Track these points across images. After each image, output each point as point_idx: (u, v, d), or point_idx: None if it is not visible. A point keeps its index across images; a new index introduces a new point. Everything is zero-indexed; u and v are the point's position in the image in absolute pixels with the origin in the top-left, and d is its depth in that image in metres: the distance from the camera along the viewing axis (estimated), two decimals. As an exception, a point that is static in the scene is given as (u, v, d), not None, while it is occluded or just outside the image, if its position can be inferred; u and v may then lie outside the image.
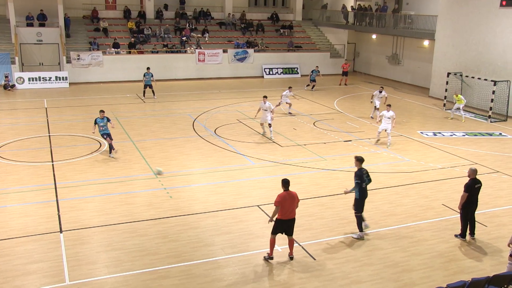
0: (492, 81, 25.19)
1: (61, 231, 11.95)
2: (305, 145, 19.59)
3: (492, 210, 13.96)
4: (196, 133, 21.01)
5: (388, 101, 28.67)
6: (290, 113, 24.75)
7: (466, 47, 28.34)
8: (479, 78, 26.40)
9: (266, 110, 20.24)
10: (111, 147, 17.66)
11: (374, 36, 39.37)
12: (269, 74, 37.10)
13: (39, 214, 12.85)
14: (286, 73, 37.56)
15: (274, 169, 16.83)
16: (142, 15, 37.16)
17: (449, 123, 24.16)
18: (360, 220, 12.01)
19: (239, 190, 14.87)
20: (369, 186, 12.06)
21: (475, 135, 22.03)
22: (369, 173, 12.09)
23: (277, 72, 37.37)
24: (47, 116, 23.30)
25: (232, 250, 11.32)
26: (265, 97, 20.72)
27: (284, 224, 10.79)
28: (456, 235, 12.19)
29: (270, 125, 20.21)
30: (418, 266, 10.90)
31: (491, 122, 24.74)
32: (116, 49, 33.41)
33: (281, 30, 40.54)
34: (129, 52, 33.85)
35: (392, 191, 15.06)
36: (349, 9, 40.18)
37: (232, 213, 13.29)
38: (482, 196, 14.86)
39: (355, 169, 11.97)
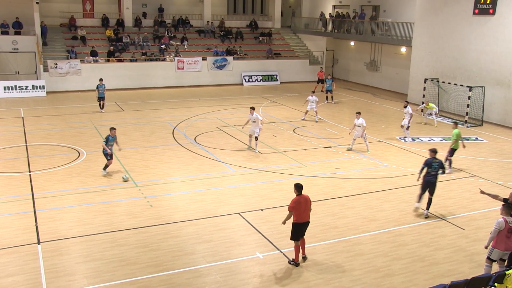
0: (467, 86, 25.62)
1: (38, 243, 11.74)
2: (285, 152, 19.63)
3: (470, 214, 14.14)
4: (176, 141, 20.90)
5: (366, 108, 28.99)
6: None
7: (442, 54, 28.80)
8: (455, 84, 26.83)
9: (254, 122, 19.28)
10: (107, 166, 16.50)
11: (352, 43, 39.75)
12: (249, 81, 37.16)
13: (15, 226, 12.60)
14: (265, 80, 37.66)
15: (255, 176, 16.81)
16: (120, 23, 36.95)
17: (426, 128, 24.47)
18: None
19: (220, 198, 14.81)
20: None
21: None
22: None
23: (257, 80, 37.45)
24: (23, 126, 22.94)
25: (214, 258, 11.25)
26: (252, 108, 19.58)
27: (303, 227, 10.96)
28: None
29: (256, 138, 19.28)
30: (400, 270, 10.96)
31: (467, 127, 25.12)
32: (94, 58, 33.12)
33: (260, 38, 40.69)
34: (108, 61, 33.59)
35: (372, 197, 15.15)
36: (327, 16, 40.53)
37: (213, 221, 13.22)
38: (460, 200, 15.16)
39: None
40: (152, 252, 11.42)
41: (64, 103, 28.65)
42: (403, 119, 22.18)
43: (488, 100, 26.02)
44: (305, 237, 11.11)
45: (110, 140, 16.26)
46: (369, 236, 12.56)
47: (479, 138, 22.95)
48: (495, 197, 11.37)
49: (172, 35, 37.61)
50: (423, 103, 26.39)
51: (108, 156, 16.26)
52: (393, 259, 11.45)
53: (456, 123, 18.10)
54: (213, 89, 34.79)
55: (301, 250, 11.15)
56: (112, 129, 16.48)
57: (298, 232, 10.92)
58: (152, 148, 19.76)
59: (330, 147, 20.52)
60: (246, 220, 13.27)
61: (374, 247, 11.98)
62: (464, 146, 17.90)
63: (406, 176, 17.12)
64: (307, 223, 11.04)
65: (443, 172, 13.87)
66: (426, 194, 13.86)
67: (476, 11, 26.36)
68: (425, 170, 13.63)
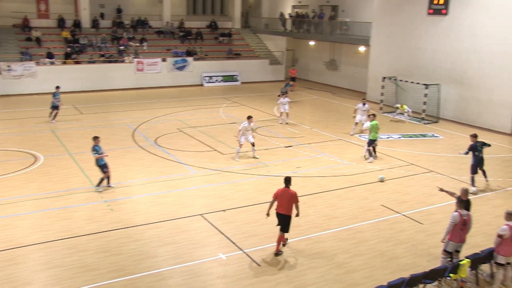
0: (424, 84, 26.26)
1: (-6, 251, 11.39)
2: (246, 152, 19.65)
3: (427, 208, 14.51)
4: (136, 143, 20.64)
5: (327, 106, 29.34)
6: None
7: (399, 53, 29.44)
8: (412, 82, 27.46)
9: (248, 130, 18.78)
10: (102, 180, 15.42)
11: (312, 43, 40.15)
12: (209, 82, 37.04)
13: (-31, 234, 12.20)
14: (226, 81, 37.62)
15: (216, 177, 16.78)
16: (77, 24, 36.21)
17: (385, 126, 24.94)
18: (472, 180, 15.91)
19: (181, 200, 14.71)
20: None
21: (410, 137, 22.87)
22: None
23: (217, 80, 37.36)
24: (-23, 131, 22.20)
25: (176, 261, 11.17)
26: (250, 117, 18.85)
27: (279, 217, 11.43)
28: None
29: (253, 144, 18.80)
30: (360, 266, 11.15)
31: (424, 124, 25.77)
32: (50, 60, 32.34)
33: (220, 38, 40.62)
34: (65, 63, 32.86)
35: (333, 195, 15.35)
36: (287, 16, 40.83)
37: (175, 223, 13.12)
38: (417, 196, 15.55)
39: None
40: (113, 257, 11.25)
41: (19, 106, 27.83)
42: (354, 116, 22.92)
43: (443, 97, 26.76)
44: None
45: (98, 149, 15.19)
46: (330, 234, 12.72)
47: (435, 135, 23.56)
48: (452, 194, 11.70)
49: (131, 36, 37.11)
50: (397, 109, 27.03)
51: (105, 168, 15.27)
52: (354, 255, 11.63)
53: (374, 115, 19.19)
54: (173, 90, 34.51)
55: (277, 244, 11.59)
56: (96, 138, 15.39)
57: (278, 219, 11.50)
58: (111, 151, 19.39)
59: (291, 146, 20.67)
60: (208, 221, 13.23)
61: (335, 244, 12.14)
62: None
63: (365, 174, 17.42)
64: (285, 216, 11.36)
65: (489, 145, 16.61)
66: (478, 174, 16.16)
67: (430, 11, 27.06)
68: (470, 154, 15.96)
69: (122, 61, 34.57)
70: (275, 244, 11.70)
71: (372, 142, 18.85)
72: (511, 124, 23.75)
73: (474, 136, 16.15)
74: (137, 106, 28.58)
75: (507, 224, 10.14)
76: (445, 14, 26.25)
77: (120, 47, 35.28)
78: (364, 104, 22.85)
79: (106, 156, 15.45)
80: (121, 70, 34.22)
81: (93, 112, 26.49)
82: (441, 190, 12.10)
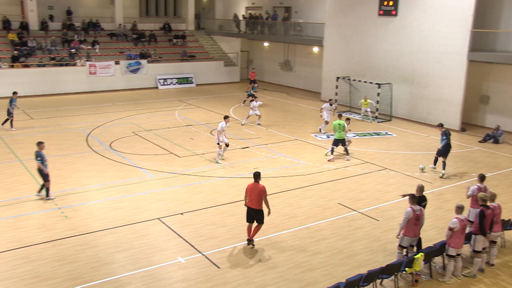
0: (376, 84, 26.85)
1: None
2: (203, 154, 19.57)
3: (383, 205, 14.83)
4: (90, 148, 20.20)
5: (282, 107, 29.57)
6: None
7: (352, 53, 29.99)
8: (365, 82, 28.02)
9: (225, 130, 18.80)
10: (48, 189, 14.78)
11: (266, 44, 40.38)
12: (164, 84, 36.66)
13: None
14: (181, 83, 37.32)
15: (173, 180, 16.62)
16: (24, 26, 35.07)
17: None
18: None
19: (138, 204, 14.50)
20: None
21: (365, 135, 23.32)
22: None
23: (172, 83, 37.01)
24: None
25: (134, 266, 10.99)
26: (227, 117, 19.03)
27: (249, 211, 11.87)
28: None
29: (227, 145, 18.87)
30: (320, 264, 11.28)
31: (378, 122, 26.34)
32: (-4, 63, 31.23)
33: (174, 40, 40.28)
34: (12, 66, 31.79)
35: (291, 194, 15.47)
36: (241, 17, 40.90)
37: (132, 228, 12.91)
38: (373, 193, 15.85)
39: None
40: (68, 265, 10.96)
41: (-35, 113, 26.74)
42: (321, 115, 23.45)
43: (395, 96, 27.44)
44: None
45: (43, 156, 14.44)
46: (289, 233, 12.82)
47: (388, 133, 24.12)
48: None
49: (82, 38, 36.29)
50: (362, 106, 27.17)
51: (48, 176, 14.54)
52: (313, 253, 11.76)
53: (340, 115, 19.89)
54: (127, 93, 33.97)
55: (253, 232, 11.99)
56: (40, 143, 14.64)
57: (247, 213, 11.92)
58: (65, 156, 18.96)
59: (248, 147, 20.71)
60: (166, 225, 13.09)
61: (294, 244, 12.24)
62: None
63: (322, 173, 17.65)
64: (255, 210, 11.74)
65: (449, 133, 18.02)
66: (440, 159, 17.68)
67: (381, 12, 27.71)
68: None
69: (74, 64, 33.74)
70: (233, 246, 11.68)
71: (336, 142, 19.15)
72: (460, 121, 24.59)
73: (441, 125, 17.93)
74: (90, 110, 27.98)
75: (457, 217, 10.50)
76: (395, 15, 26.93)
77: (71, 50, 34.43)
78: (331, 104, 23.82)
79: (46, 170, 14.51)
80: (73, 74, 33.40)
81: (45, 117, 25.74)
82: (404, 195, 12.48)
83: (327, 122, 23.29)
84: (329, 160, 19.04)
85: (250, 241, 11.97)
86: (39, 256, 11.34)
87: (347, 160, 19.10)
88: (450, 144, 17.55)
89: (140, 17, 42.29)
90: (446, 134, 17.52)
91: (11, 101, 22.88)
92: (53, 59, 33.53)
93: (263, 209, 11.82)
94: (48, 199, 14.64)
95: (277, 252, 11.81)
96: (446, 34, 24.59)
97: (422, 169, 18.16)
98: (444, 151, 17.53)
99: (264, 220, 12.02)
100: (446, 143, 17.41)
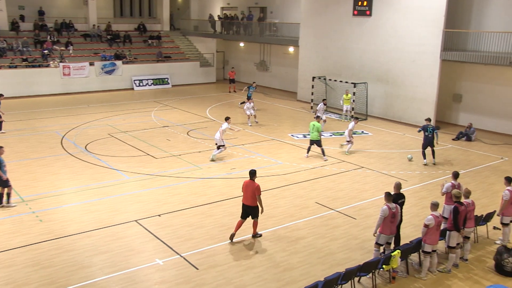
0: (352, 83, 27.09)
1: None
2: (180, 155, 19.48)
3: (360, 203, 14.97)
4: (65, 150, 19.91)
5: (259, 107, 29.60)
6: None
7: (327, 52, 30.20)
8: (340, 81, 28.23)
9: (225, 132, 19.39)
10: (9, 195, 14.29)
11: (242, 44, 40.39)
12: (139, 85, 36.36)
13: None
14: (156, 84, 37.07)
15: (150, 181, 16.50)
16: (-6, 27, 34.41)
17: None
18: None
19: (115, 206, 14.35)
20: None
21: (341, 135, 23.48)
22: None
23: (148, 84, 36.73)
24: None
25: (112, 269, 10.88)
26: (228, 118, 19.62)
27: (244, 208, 12.29)
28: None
29: (222, 147, 19.15)
30: (298, 263, 11.33)
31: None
32: (-34, 65, 30.55)
33: (149, 41, 39.99)
34: (-17, 68, 31.16)
35: (268, 194, 15.49)
36: (216, 18, 40.82)
37: (109, 230, 12.78)
38: (350, 191, 15.98)
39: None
40: (43, 270, 10.78)
41: None
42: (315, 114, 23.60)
43: (371, 95, 27.73)
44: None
45: (2, 161, 13.89)
46: (267, 233, 12.84)
47: (364, 132, 24.35)
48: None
49: (55, 39, 35.74)
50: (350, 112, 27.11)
51: (8, 182, 14.00)
52: (291, 253, 11.80)
53: (318, 117, 20.20)
54: (102, 95, 33.60)
55: (252, 228, 12.52)
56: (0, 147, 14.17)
57: (242, 210, 12.32)
58: (39, 159, 18.66)
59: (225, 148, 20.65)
60: (143, 227, 12.99)
61: (272, 243, 12.27)
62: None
63: (299, 172, 17.73)
64: (249, 207, 12.14)
65: (438, 128, 19.96)
66: (428, 150, 18.92)
67: (355, 12, 27.97)
68: (422, 133, 18.93)
69: (47, 66, 33.21)
70: (210, 247, 11.66)
71: (311, 142, 19.45)
72: (434, 119, 24.97)
73: (428, 119, 19.23)
74: (65, 112, 27.59)
75: (432, 214, 10.67)
76: (369, 15, 27.22)
77: (44, 51, 33.87)
78: (325, 104, 24.40)
79: (5, 177, 13.95)
80: (46, 75, 32.88)
81: (17, 120, 25.27)
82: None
83: (324, 121, 23.76)
84: (306, 157, 19.50)
85: (233, 236, 12.31)
86: (12, 261, 11.12)
87: (325, 160, 19.22)
88: (432, 138, 18.79)
89: (115, 18, 41.89)
90: (427, 129, 18.80)
91: None
92: (25, 60, 32.95)
93: (258, 206, 12.20)
94: (9, 206, 14.12)
95: (255, 252, 11.82)
96: (419, 34, 24.96)
97: (410, 159, 19.38)
98: (426, 145, 18.99)
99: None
100: (427, 137, 18.83)
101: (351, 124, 20.32)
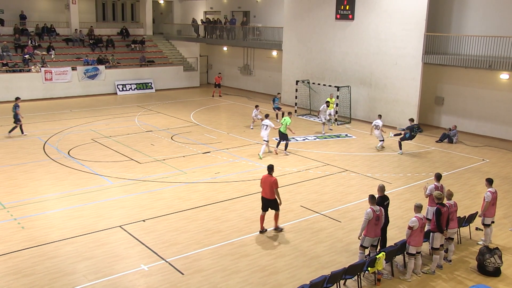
0: (335, 86, 27.23)
1: None
2: (164, 160, 19.38)
3: (345, 206, 15.03)
4: (47, 156, 19.69)
5: (243, 111, 29.60)
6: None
7: (310, 56, 30.33)
8: (324, 85, 28.38)
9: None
10: None
11: (225, 48, 40.39)
12: (123, 90, 36.12)
13: None
14: (140, 89, 36.87)
15: (134, 187, 16.39)
16: (-27, 31, 33.92)
17: (300, 127, 25.58)
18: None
19: (99, 212, 14.22)
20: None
21: (325, 138, 23.60)
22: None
23: (131, 88, 36.50)
24: None
25: (96, 275, 10.76)
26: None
27: (264, 201, 12.92)
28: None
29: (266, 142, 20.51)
30: (284, 267, 11.33)
31: (337, 124, 26.71)
32: None
33: (132, 45, 39.78)
34: (-38, 73, 30.68)
35: (253, 198, 15.44)
36: (199, 22, 40.76)
37: (93, 236, 12.65)
38: (335, 194, 16.03)
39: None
40: (25, 278, 10.62)
41: None
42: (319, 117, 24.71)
43: (354, 98, 27.91)
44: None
45: None
46: (252, 237, 12.82)
47: (348, 135, 24.49)
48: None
49: (36, 44, 35.35)
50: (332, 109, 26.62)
51: None
52: (277, 256, 11.80)
53: (290, 113, 21.42)
54: (85, 100, 33.31)
55: (274, 221, 13.10)
56: None
57: (262, 204, 12.94)
58: (20, 165, 18.42)
59: (209, 152, 20.64)
60: (128, 232, 12.88)
61: (258, 247, 12.25)
62: (293, 133, 21.93)
63: (284, 176, 17.73)
64: (268, 200, 12.77)
65: (421, 130, 22.68)
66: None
67: (338, 16, 28.16)
68: (404, 132, 20.98)
69: (29, 71, 32.85)
70: (196, 252, 11.60)
71: (279, 135, 20.68)
72: (417, 122, 25.18)
73: (411, 120, 21.33)
74: (47, 117, 27.29)
75: (416, 216, 10.76)
76: (352, 19, 27.42)
77: (25, 55, 33.48)
78: (328, 106, 24.65)
79: None
80: (28, 80, 32.49)
81: (-2, 125, 24.94)
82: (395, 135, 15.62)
83: (324, 123, 24.44)
84: (276, 153, 20.48)
85: (264, 231, 13.00)
86: (-5, 269, 10.96)
87: (286, 155, 20.27)
88: (414, 136, 20.93)
89: (97, 22, 41.60)
90: (414, 129, 20.73)
91: (15, 106, 22.69)
92: (5, 65, 32.53)
93: (276, 199, 12.80)
94: None
95: (240, 256, 11.79)
96: (401, 37, 25.22)
97: (392, 137, 21.82)
98: (408, 139, 20.99)
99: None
100: (412, 136, 20.76)
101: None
